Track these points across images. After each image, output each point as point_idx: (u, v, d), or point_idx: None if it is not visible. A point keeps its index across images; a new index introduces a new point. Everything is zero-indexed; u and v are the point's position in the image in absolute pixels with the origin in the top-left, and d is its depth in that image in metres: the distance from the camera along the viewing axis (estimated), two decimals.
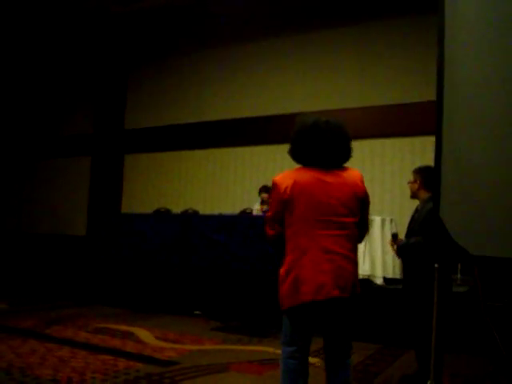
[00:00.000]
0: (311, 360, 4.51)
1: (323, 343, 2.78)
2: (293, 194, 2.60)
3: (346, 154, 2.73)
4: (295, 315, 2.67)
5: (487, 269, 4.21)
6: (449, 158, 2.92)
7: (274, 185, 2.69)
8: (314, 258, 2.57)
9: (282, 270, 2.67)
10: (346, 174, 2.68)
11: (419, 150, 7.57)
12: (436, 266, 3.07)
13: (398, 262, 6.10)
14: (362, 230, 2.78)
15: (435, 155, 2.98)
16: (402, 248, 3.88)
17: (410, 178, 4.02)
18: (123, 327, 5.87)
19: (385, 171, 7.93)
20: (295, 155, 2.76)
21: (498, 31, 2.85)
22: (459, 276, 5.78)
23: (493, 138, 2.79)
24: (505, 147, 2.75)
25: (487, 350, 4.14)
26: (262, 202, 7.49)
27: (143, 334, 5.58)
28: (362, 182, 2.72)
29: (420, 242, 3.60)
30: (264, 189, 7.51)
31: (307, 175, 2.64)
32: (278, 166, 8.77)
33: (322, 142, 2.65)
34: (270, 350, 4.97)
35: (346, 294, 2.57)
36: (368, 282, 6.02)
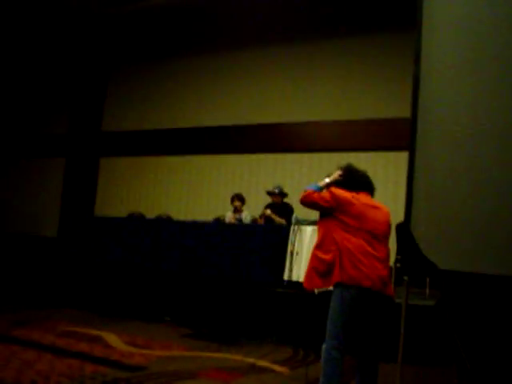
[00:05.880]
0: (278, 369, 4.56)
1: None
2: (351, 203, 3.24)
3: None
4: None
5: (456, 283, 4.28)
6: (421, 173, 2.98)
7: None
8: (354, 259, 3.13)
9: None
10: (381, 206, 3.38)
11: (393, 165, 7.68)
12: (405, 278, 3.13)
13: None
14: None
15: (408, 171, 3.04)
16: None
17: (382, 192, 4.07)
18: (91, 331, 5.80)
19: None
20: (349, 185, 3.41)
21: (473, 49, 2.93)
22: (428, 290, 5.86)
23: (464, 157, 2.86)
24: (476, 166, 2.82)
25: (453, 363, 4.21)
26: (235, 210, 7.45)
27: (112, 338, 5.52)
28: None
29: None
30: (237, 197, 7.48)
31: (362, 197, 3.32)
32: (253, 175, 8.82)
33: (365, 178, 3.45)
34: (239, 357, 4.98)
35: (375, 288, 3.07)
36: None
